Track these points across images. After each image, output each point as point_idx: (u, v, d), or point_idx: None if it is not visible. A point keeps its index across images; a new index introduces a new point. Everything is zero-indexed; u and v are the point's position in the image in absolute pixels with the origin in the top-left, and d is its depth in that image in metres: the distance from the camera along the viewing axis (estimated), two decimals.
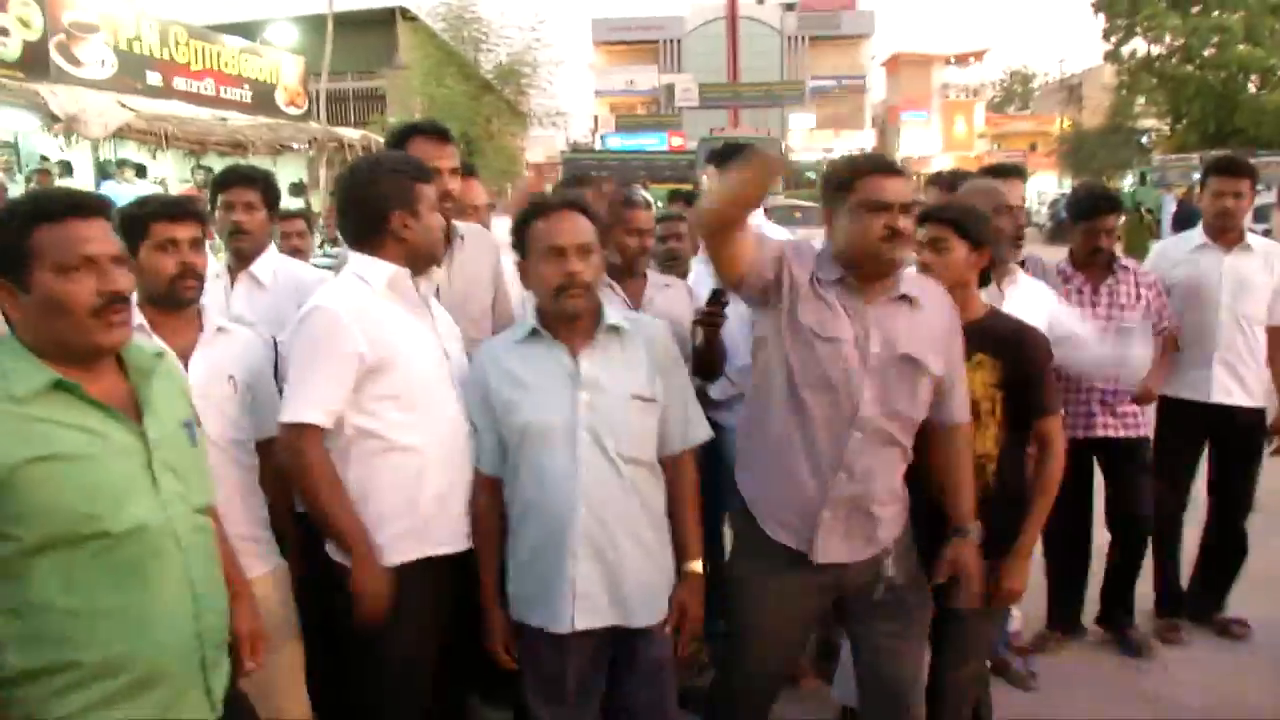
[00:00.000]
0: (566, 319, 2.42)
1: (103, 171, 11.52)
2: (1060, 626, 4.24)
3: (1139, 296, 3.97)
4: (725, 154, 3.97)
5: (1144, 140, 44.80)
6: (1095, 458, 4.07)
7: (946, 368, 2.57)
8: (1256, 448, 4.29)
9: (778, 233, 3.98)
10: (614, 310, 2.51)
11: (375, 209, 2.49)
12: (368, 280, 2.46)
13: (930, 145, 57.30)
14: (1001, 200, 3.37)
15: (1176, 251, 4.42)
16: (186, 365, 2.40)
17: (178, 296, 2.48)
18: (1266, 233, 12.47)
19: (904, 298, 2.52)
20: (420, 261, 2.56)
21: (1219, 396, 4.18)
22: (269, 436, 2.51)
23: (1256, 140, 35.86)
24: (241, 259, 3.24)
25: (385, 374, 2.39)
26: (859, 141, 52.58)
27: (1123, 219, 3.99)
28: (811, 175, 26.10)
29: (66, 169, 11.32)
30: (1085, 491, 4.14)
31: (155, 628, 1.78)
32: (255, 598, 2.26)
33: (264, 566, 2.51)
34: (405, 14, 21.42)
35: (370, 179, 2.53)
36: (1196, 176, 20.83)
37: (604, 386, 2.41)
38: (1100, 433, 3.98)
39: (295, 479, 2.39)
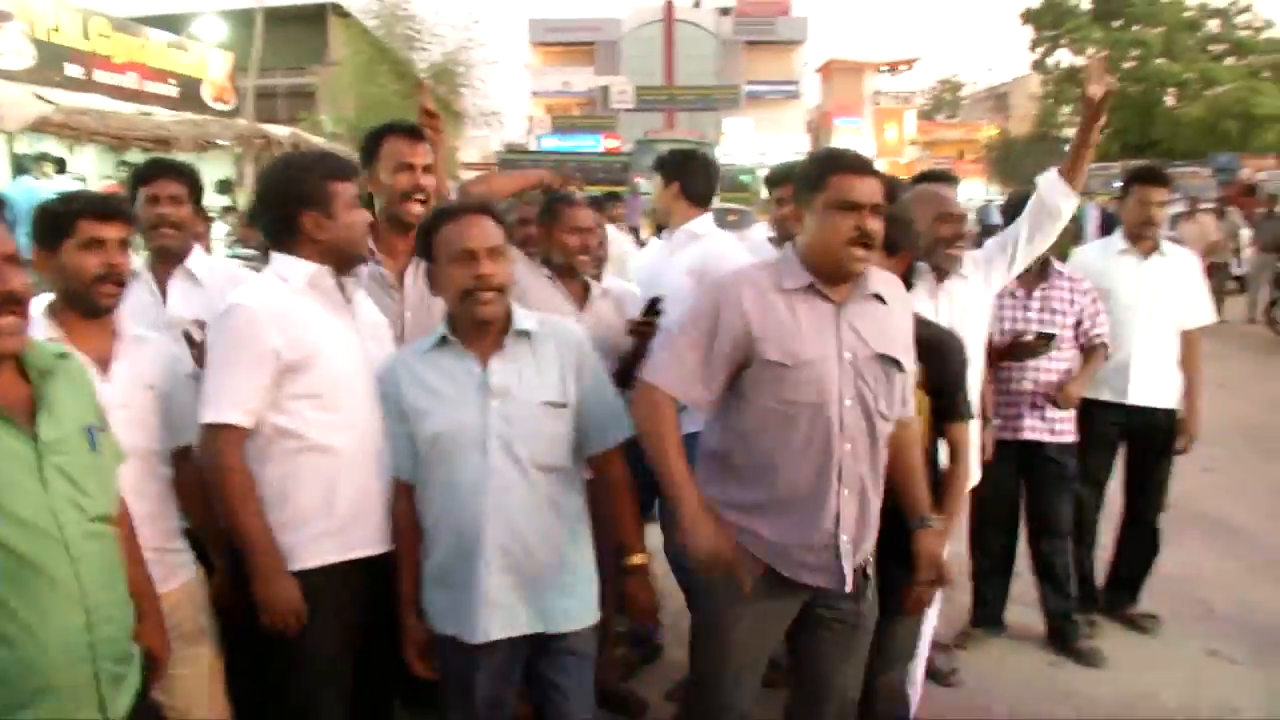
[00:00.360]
0: (477, 324, 2.39)
1: (19, 166, 11.13)
2: (983, 624, 4.31)
3: (1073, 303, 4.07)
4: (670, 162, 3.90)
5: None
6: (1021, 459, 4.14)
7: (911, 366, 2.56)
8: (1169, 448, 4.43)
9: (726, 239, 3.96)
10: (524, 314, 2.47)
11: (287, 209, 2.46)
12: (286, 279, 2.44)
13: (863, 151, 57.72)
14: (945, 208, 3.41)
15: (1095, 257, 4.56)
16: (105, 374, 2.33)
17: (96, 301, 2.37)
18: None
19: (875, 296, 2.46)
20: (341, 260, 2.51)
21: (1136, 398, 4.32)
22: (184, 445, 2.48)
23: (1173, 151, 37.06)
24: (165, 257, 3.08)
25: (304, 373, 2.37)
26: (794, 145, 53.14)
27: None
28: (746, 179, 26.22)
29: None
30: (1012, 492, 4.21)
31: (41, 638, 1.70)
32: (162, 613, 2.21)
33: (178, 579, 2.45)
34: (337, 10, 21.10)
35: (283, 178, 2.52)
36: (1118, 185, 21.54)
37: (514, 394, 2.38)
38: (1027, 435, 4.07)
39: (211, 481, 2.36)
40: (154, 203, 3.05)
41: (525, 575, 2.37)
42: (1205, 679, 3.99)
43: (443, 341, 2.43)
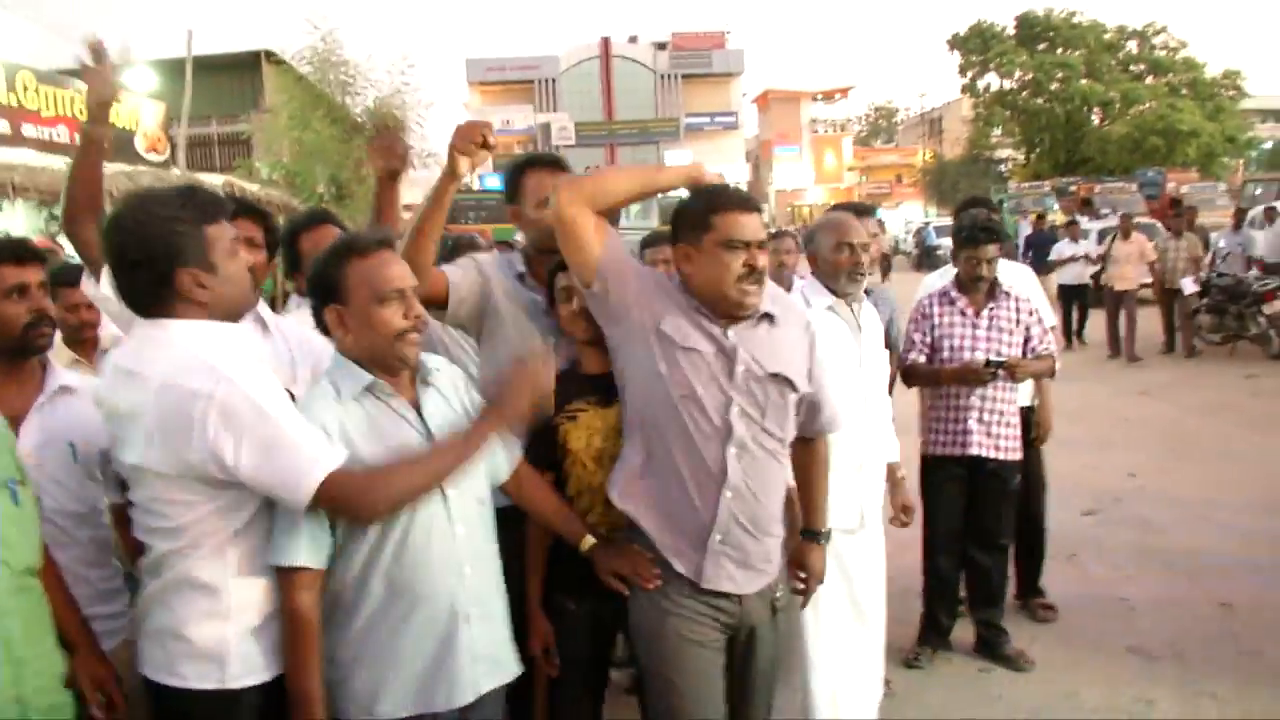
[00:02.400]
0: (407, 366, 2.24)
1: None
2: (932, 643, 4.38)
3: (1019, 322, 4.21)
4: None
5: (1001, 169, 47.06)
6: (967, 476, 4.24)
7: (813, 382, 2.62)
8: (1032, 441, 4.62)
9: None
10: (424, 355, 2.36)
11: (158, 268, 1.98)
12: (213, 344, 2.02)
13: (803, 178, 59.08)
14: (845, 236, 3.44)
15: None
16: (17, 429, 2.21)
17: (31, 345, 2.32)
18: (1103, 256, 13.14)
19: (765, 316, 2.51)
20: (234, 313, 2.17)
21: None
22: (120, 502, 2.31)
23: (1102, 168, 38.13)
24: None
25: None
26: (733, 176, 53.79)
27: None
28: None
29: None
30: (960, 512, 4.30)
31: None
32: (97, 645, 2.15)
33: (111, 644, 2.28)
34: (271, 57, 21.06)
35: (145, 231, 1.98)
36: (1049, 202, 21.90)
37: (448, 434, 2.25)
38: (974, 450, 4.17)
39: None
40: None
41: (493, 620, 2.31)
42: (1124, 676, 4.13)
43: (367, 389, 2.18)
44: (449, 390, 2.36)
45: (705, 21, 53.87)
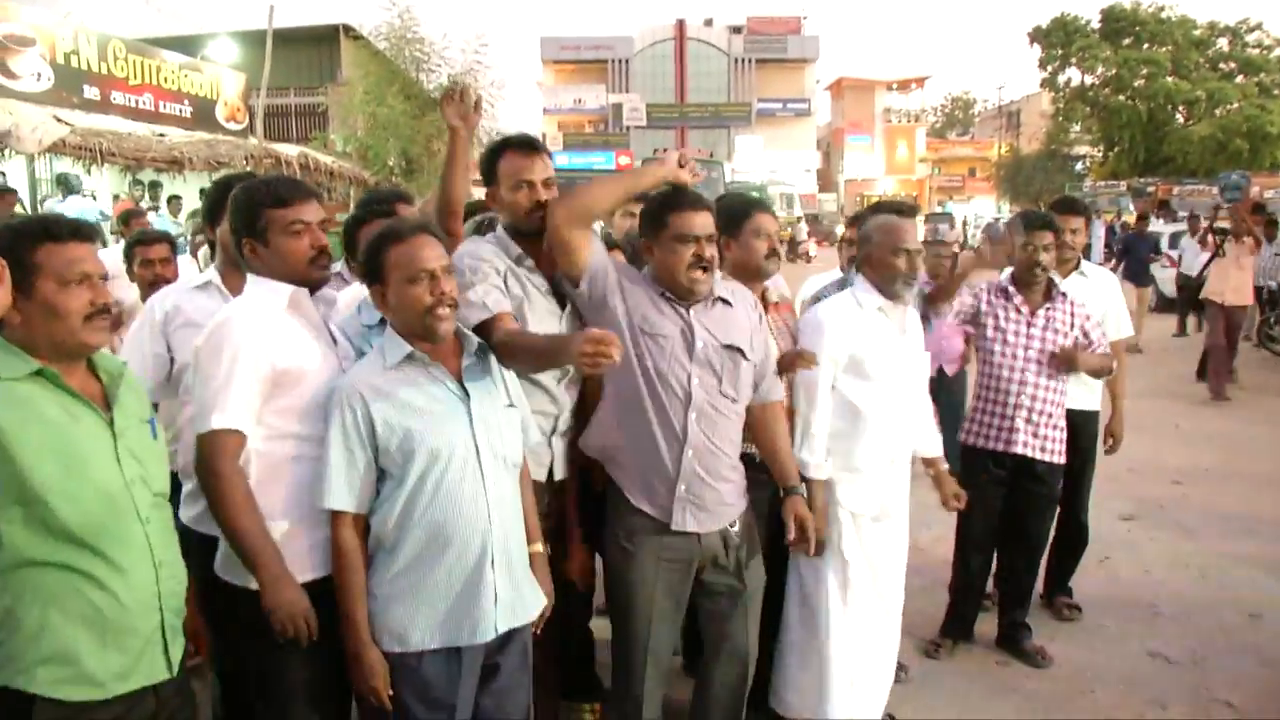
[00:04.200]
0: (439, 338, 2.49)
1: (69, 187, 11.41)
2: (954, 635, 4.45)
3: (1073, 325, 4.21)
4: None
5: (1079, 166, 46.08)
6: (1010, 477, 4.27)
7: (761, 356, 3.11)
8: (1091, 447, 4.69)
9: None
10: (463, 329, 2.62)
11: (236, 236, 2.57)
12: (267, 297, 2.51)
13: (873, 168, 58.43)
14: (902, 242, 3.49)
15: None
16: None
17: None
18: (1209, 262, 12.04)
19: (719, 299, 2.99)
20: (297, 280, 2.54)
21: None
22: None
23: (1183, 169, 37.15)
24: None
25: (291, 388, 2.44)
26: (804, 163, 53.43)
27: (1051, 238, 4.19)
28: (756, 196, 26.42)
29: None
30: (997, 510, 4.33)
31: (123, 586, 2.03)
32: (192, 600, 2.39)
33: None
34: (349, 31, 21.51)
35: (230, 208, 2.62)
36: (1124, 202, 20.97)
37: (488, 401, 2.54)
38: (1018, 449, 4.20)
39: (210, 491, 2.38)
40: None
41: (515, 569, 2.57)
42: (1140, 677, 4.20)
43: (408, 358, 2.46)
44: (491, 364, 2.63)
45: (781, 6, 53.33)
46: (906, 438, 3.61)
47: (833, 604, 3.47)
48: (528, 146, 3.06)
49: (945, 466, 3.90)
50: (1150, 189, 31.79)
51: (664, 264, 2.89)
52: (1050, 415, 4.20)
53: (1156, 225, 17.68)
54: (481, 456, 2.48)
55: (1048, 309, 4.21)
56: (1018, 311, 4.22)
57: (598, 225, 3.65)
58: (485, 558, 2.46)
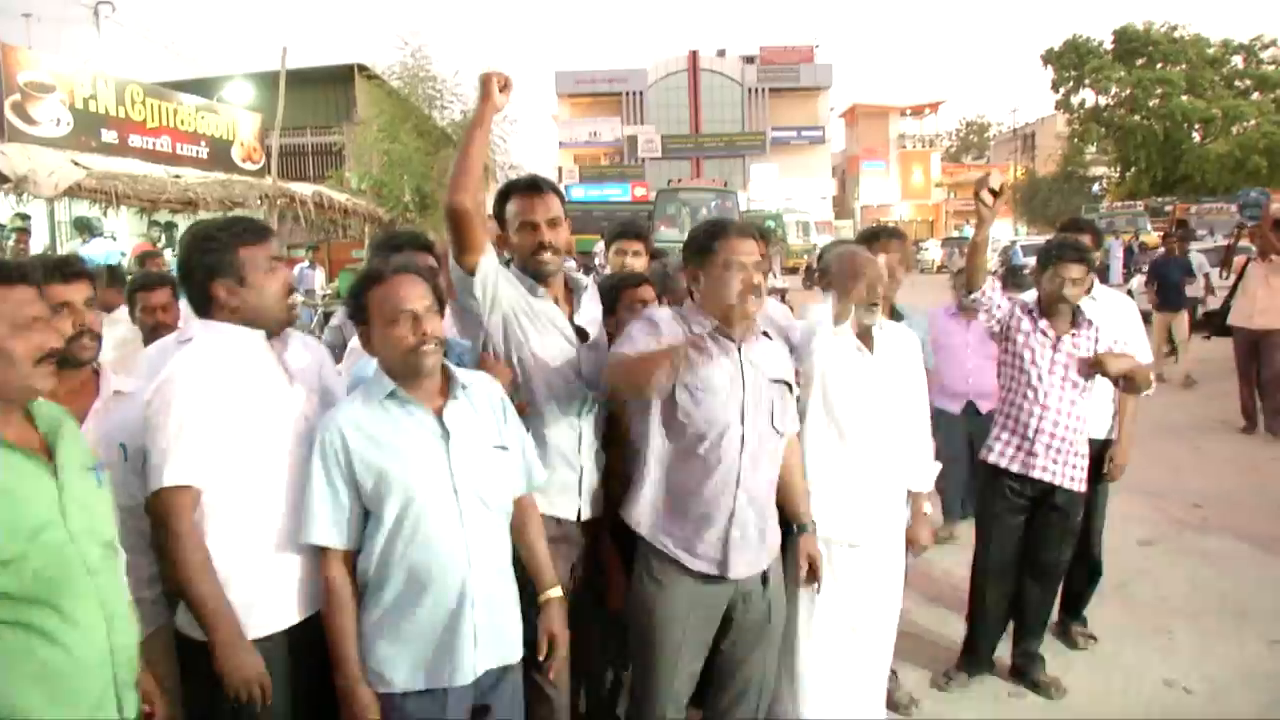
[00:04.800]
0: (424, 376, 2.49)
1: (91, 229, 11.59)
2: (970, 669, 4.35)
3: (1098, 351, 4.11)
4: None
5: (1095, 188, 45.90)
6: (1028, 504, 4.20)
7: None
8: (1099, 475, 4.58)
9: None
10: (453, 367, 2.62)
11: (199, 280, 2.48)
12: (219, 346, 2.46)
13: (889, 194, 58.45)
14: (859, 269, 3.49)
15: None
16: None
17: (74, 356, 2.59)
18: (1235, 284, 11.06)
19: (765, 334, 3.04)
20: (264, 323, 2.53)
21: None
22: None
23: (1201, 187, 36.97)
24: None
25: (250, 437, 2.42)
26: (820, 190, 53.52)
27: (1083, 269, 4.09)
28: (771, 224, 26.53)
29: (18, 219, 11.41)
30: (1018, 540, 4.25)
31: (75, 641, 1.97)
32: (150, 650, 2.37)
33: (148, 626, 2.46)
34: (363, 70, 21.79)
35: (191, 249, 2.51)
36: (1143, 223, 20.30)
37: (470, 441, 2.52)
38: (1036, 474, 4.12)
39: (164, 548, 2.36)
40: None
41: (495, 611, 2.54)
42: (1158, 708, 4.10)
43: (390, 395, 2.47)
44: (481, 401, 2.61)
45: (794, 35, 53.73)
46: (886, 463, 3.51)
47: (800, 630, 3.40)
48: (530, 188, 3.05)
49: (926, 508, 3.77)
50: (1168, 208, 31.59)
51: (714, 291, 2.90)
52: (1072, 443, 4.12)
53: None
54: (460, 497, 2.46)
55: (1073, 335, 4.13)
56: (1044, 335, 4.14)
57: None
58: (465, 600, 2.44)
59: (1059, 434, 4.11)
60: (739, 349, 2.92)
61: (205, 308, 2.50)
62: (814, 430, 3.41)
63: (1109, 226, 28.86)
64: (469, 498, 2.47)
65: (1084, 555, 4.69)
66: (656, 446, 2.92)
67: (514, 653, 2.60)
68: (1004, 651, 4.44)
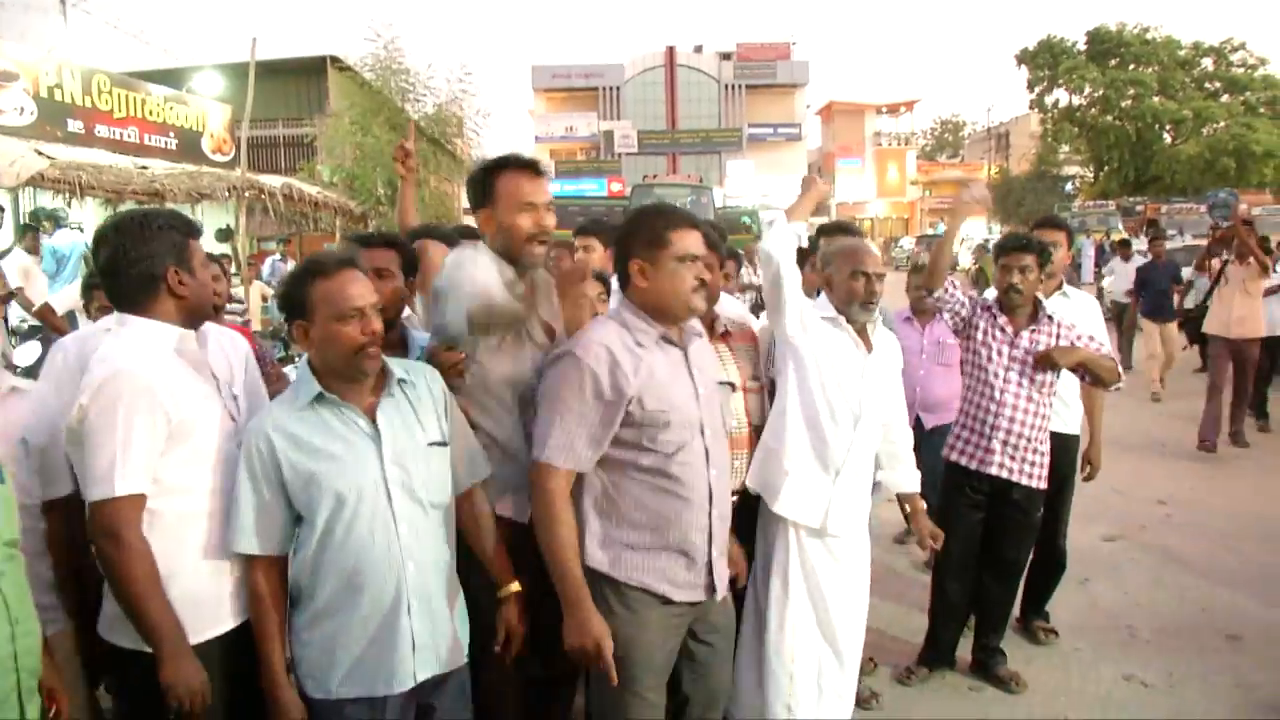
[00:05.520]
0: (362, 378, 2.41)
1: (57, 220, 11.39)
2: (931, 664, 4.37)
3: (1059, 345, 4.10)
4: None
5: (1069, 187, 46.24)
6: (988, 501, 4.19)
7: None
8: (1069, 472, 4.64)
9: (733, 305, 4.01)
10: (393, 362, 2.54)
11: (149, 267, 2.39)
12: (152, 342, 2.38)
13: (865, 192, 58.64)
14: (860, 265, 3.49)
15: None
16: None
17: None
18: (1189, 284, 11.32)
19: (696, 334, 2.83)
20: (196, 319, 2.50)
21: None
22: (58, 497, 2.52)
23: (1171, 188, 37.37)
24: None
25: (184, 440, 2.34)
26: (796, 187, 53.55)
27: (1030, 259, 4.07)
28: (746, 220, 26.54)
29: None
30: (976, 533, 4.24)
31: None
32: (51, 652, 2.29)
33: (53, 628, 2.42)
34: (336, 62, 21.59)
35: (143, 236, 2.40)
36: (1114, 222, 20.11)
37: (403, 440, 2.42)
38: (993, 470, 4.12)
39: (109, 560, 2.25)
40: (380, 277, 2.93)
41: (436, 614, 2.47)
42: (1115, 702, 4.13)
43: (318, 398, 2.37)
44: (420, 397, 2.52)
45: (770, 32, 53.74)
46: (861, 457, 3.51)
47: (771, 627, 3.41)
48: (532, 168, 2.84)
49: (922, 505, 3.79)
50: (1139, 208, 31.94)
51: (662, 287, 2.65)
52: (1029, 440, 4.11)
53: (1141, 243, 17.55)
54: (393, 498, 2.38)
55: (1032, 330, 4.12)
56: (1002, 331, 4.14)
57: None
58: (400, 603, 2.38)
59: (1015, 430, 4.10)
60: (685, 354, 2.73)
61: (142, 298, 2.40)
62: (807, 418, 3.40)
63: (1081, 225, 29.12)
64: (403, 498, 2.39)
65: (1048, 550, 4.72)
66: (618, 480, 2.64)
67: (457, 657, 2.53)
68: (965, 647, 4.45)
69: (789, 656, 3.40)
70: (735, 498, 3.23)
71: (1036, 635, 4.73)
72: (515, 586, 2.68)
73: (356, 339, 2.35)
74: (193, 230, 2.49)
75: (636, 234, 2.73)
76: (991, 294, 4.32)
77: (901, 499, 3.85)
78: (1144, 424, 9.75)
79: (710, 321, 3.34)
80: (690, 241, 2.68)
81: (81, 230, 12.08)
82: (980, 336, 4.18)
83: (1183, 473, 8.05)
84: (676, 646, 2.77)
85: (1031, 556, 4.61)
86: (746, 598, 3.49)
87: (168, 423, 2.29)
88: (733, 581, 2.98)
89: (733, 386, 2.97)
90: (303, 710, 2.37)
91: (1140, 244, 17.79)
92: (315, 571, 2.37)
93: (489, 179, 2.81)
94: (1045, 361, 4.04)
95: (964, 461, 4.19)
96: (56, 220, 11.38)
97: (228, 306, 5.38)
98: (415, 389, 2.52)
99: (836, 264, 3.54)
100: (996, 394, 4.11)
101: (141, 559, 2.24)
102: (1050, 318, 4.16)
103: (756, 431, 3.49)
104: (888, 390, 3.65)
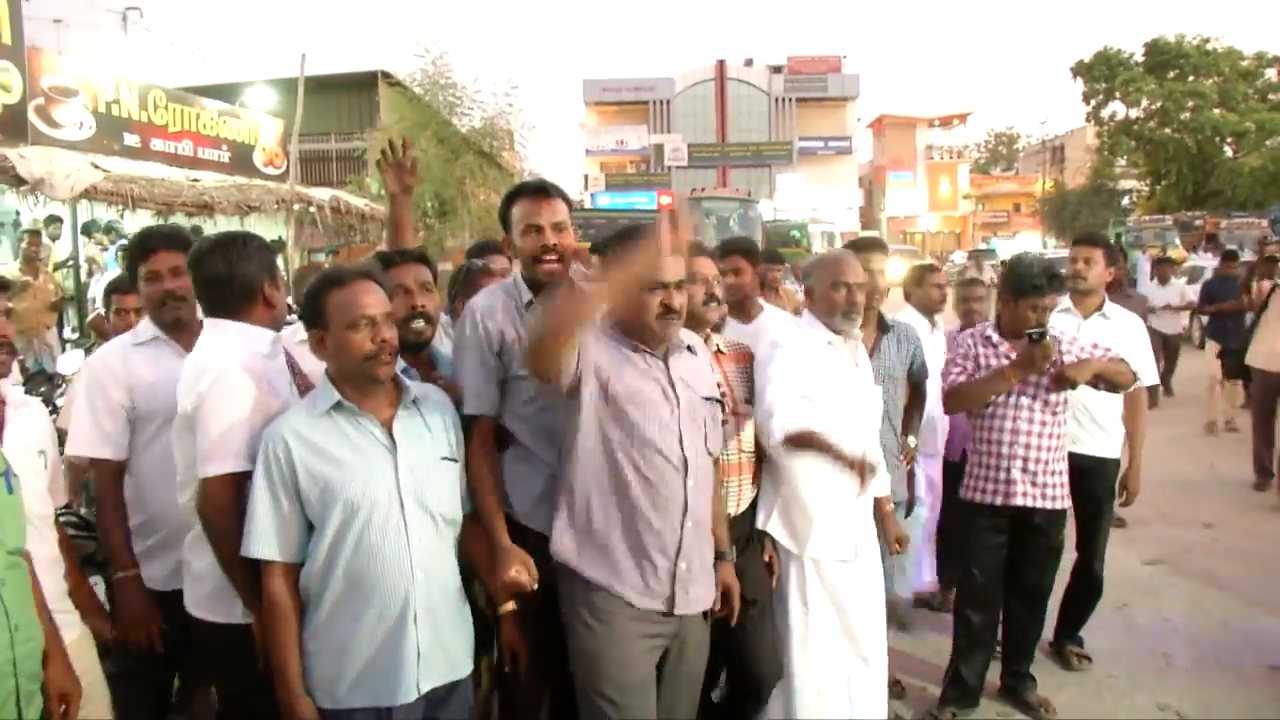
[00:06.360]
0: (375, 386, 2.46)
1: (118, 232, 11.82)
2: (956, 703, 4.16)
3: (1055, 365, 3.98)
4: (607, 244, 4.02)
5: (1125, 201, 45.41)
6: (1011, 529, 4.07)
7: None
8: (1108, 498, 4.52)
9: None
10: (409, 382, 2.59)
11: (249, 280, 2.65)
12: (254, 344, 2.60)
13: (916, 205, 58.08)
14: (840, 275, 3.46)
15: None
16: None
17: None
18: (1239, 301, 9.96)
19: (689, 348, 2.84)
20: (278, 326, 2.77)
21: (1070, 444, 4.36)
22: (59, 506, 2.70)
23: (1232, 202, 36.45)
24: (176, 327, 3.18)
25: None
26: (846, 201, 53.29)
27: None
28: (795, 235, 26.45)
29: (51, 221, 11.57)
30: (1000, 567, 4.12)
31: None
32: (67, 655, 2.36)
33: (68, 638, 2.49)
34: (387, 77, 21.93)
35: (245, 253, 2.67)
36: (1171, 237, 19.16)
37: (418, 453, 2.47)
38: (1018, 501, 3.99)
39: (212, 531, 2.44)
40: (155, 278, 3.11)
41: (441, 626, 2.48)
42: None
43: (336, 406, 2.42)
44: (433, 414, 2.58)
45: (822, 45, 53.47)
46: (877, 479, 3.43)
47: (794, 649, 3.36)
48: (537, 191, 2.99)
49: (890, 508, 3.77)
50: (1198, 222, 31.18)
51: (628, 310, 2.66)
52: (1047, 462, 4.00)
53: (1199, 259, 17.16)
54: (406, 509, 2.41)
55: None
56: (1007, 359, 3.98)
57: None
58: (408, 614, 2.39)
59: (1033, 456, 3.98)
60: (666, 364, 2.72)
61: (242, 306, 2.66)
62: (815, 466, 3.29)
63: (1136, 240, 28.49)
64: (415, 511, 2.43)
65: (1084, 576, 4.60)
66: (590, 471, 2.64)
67: (462, 669, 2.55)
68: (994, 670, 4.34)
69: (815, 674, 3.36)
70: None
71: (1069, 660, 4.60)
72: (511, 606, 2.69)
73: (366, 346, 2.40)
74: (274, 251, 2.76)
75: (613, 248, 2.76)
76: (987, 323, 4.23)
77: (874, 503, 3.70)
78: (1195, 448, 9.48)
79: (704, 340, 3.30)
80: (658, 266, 2.57)
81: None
82: (988, 368, 4.02)
83: (1232, 498, 7.80)
84: (653, 663, 2.70)
85: (1068, 581, 4.53)
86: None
87: (267, 411, 2.48)
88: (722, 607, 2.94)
89: (722, 406, 2.90)
90: (318, 715, 2.38)
91: (1201, 259, 17.16)
92: (324, 579, 2.39)
93: (505, 209, 3.02)
94: (1061, 381, 3.92)
95: (986, 500, 4.04)
96: (117, 232, 11.69)
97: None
98: (429, 405, 2.58)
99: (817, 276, 3.53)
100: (1010, 422, 3.99)
101: (231, 522, 2.42)
102: (1056, 338, 3.98)
103: (750, 458, 3.39)
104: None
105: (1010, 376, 3.89)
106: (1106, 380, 3.96)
